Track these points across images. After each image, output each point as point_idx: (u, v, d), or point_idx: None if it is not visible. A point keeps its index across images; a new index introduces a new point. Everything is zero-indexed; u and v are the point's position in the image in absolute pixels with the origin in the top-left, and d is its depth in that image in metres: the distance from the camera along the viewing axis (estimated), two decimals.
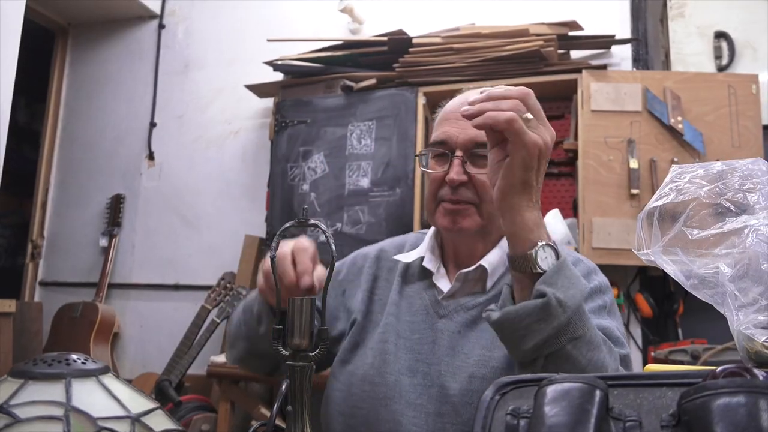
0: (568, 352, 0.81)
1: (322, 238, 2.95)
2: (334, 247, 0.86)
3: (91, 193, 3.81)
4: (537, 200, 0.86)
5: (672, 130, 2.56)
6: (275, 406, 0.75)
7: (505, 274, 1.07)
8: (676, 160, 2.54)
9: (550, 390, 0.40)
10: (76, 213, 3.83)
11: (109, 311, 3.43)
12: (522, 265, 0.84)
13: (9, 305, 2.89)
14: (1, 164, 2.69)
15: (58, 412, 0.34)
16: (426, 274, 1.12)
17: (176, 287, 3.48)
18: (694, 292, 0.73)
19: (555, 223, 2.68)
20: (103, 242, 3.65)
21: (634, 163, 2.58)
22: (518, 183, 0.83)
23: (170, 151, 3.69)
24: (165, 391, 2.59)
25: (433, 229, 1.16)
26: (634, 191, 2.55)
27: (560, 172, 2.88)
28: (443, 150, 1.06)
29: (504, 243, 1.07)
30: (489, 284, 1.07)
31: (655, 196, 0.61)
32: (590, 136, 2.64)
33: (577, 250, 2.60)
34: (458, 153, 1.04)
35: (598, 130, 2.63)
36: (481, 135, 1.02)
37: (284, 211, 3.08)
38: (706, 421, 0.34)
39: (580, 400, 0.37)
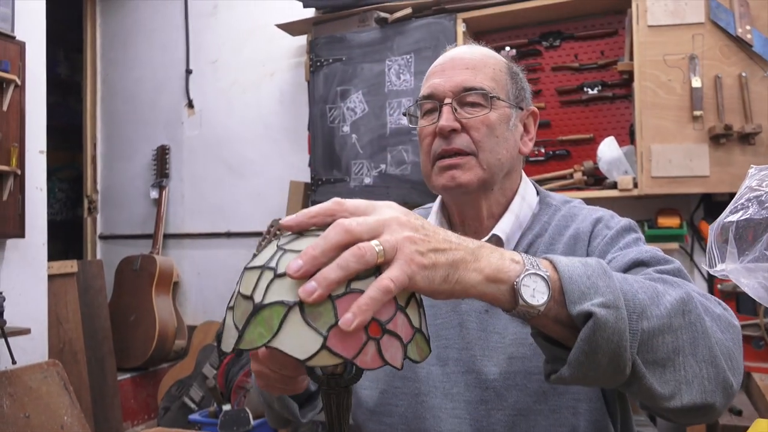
0: (650, 337, 0.62)
1: (367, 181, 2.89)
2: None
3: (137, 145, 3.83)
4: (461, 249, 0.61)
5: (740, 41, 2.32)
6: None
7: (521, 240, 0.98)
8: (744, 74, 2.32)
9: None
10: (125, 166, 3.87)
11: (167, 262, 3.51)
12: (524, 315, 0.62)
13: (71, 266, 2.99)
14: (45, 121, 2.71)
15: None
16: None
17: (228, 235, 3.52)
18: None
19: (610, 152, 2.52)
20: (154, 194, 3.70)
21: (696, 82, 2.37)
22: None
23: (208, 98, 3.64)
24: None
25: (438, 202, 1.08)
26: (697, 113, 2.35)
27: (615, 95, 2.68)
28: (431, 103, 0.99)
29: (515, 206, 1.00)
30: None
31: (730, 207, 0.51)
32: (647, 55, 2.42)
33: (635, 180, 2.45)
34: (447, 100, 0.96)
35: (656, 47, 2.41)
36: (469, 79, 0.96)
37: (326, 154, 3.01)
38: None
39: None
